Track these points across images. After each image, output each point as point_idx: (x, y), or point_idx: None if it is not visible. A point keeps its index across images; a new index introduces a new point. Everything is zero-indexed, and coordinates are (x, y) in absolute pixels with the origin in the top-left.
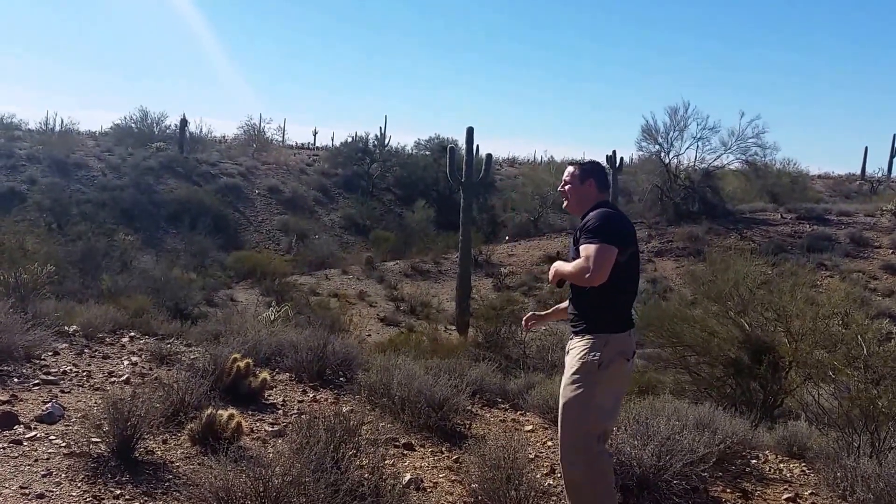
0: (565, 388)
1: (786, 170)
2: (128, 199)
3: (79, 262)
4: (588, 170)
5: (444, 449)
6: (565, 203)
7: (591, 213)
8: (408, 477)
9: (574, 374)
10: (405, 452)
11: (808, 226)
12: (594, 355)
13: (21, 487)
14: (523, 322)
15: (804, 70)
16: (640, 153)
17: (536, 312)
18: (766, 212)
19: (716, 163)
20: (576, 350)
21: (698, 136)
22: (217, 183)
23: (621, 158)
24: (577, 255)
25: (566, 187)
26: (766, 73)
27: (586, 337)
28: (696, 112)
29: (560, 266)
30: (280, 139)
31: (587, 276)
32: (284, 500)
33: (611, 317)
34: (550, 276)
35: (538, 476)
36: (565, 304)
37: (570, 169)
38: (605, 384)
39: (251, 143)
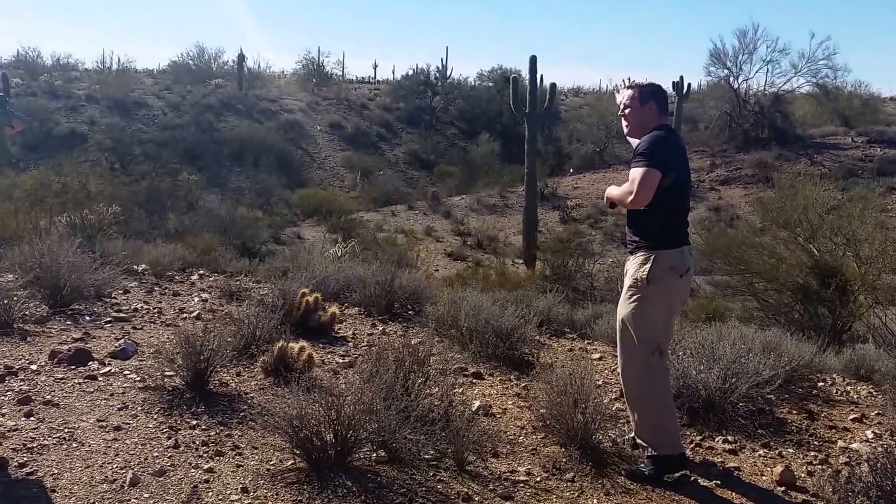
0: (620, 306)
1: (857, 92)
2: (189, 137)
3: (144, 203)
4: (648, 92)
5: (512, 377)
6: (626, 128)
7: (643, 138)
8: (477, 404)
9: (627, 290)
10: (474, 381)
11: (879, 149)
12: (643, 271)
13: (98, 420)
14: None
15: None
16: (709, 78)
17: None
18: (836, 136)
19: (786, 86)
20: (630, 268)
21: (768, 58)
22: (278, 120)
23: (688, 85)
24: None
25: (626, 111)
26: None
27: (638, 254)
28: (765, 34)
29: (610, 191)
30: (340, 73)
31: (630, 199)
32: (357, 427)
33: (662, 234)
34: (605, 199)
35: (605, 401)
36: None
37: (629, 92)
38: (656, 299)
39: (311, 78)
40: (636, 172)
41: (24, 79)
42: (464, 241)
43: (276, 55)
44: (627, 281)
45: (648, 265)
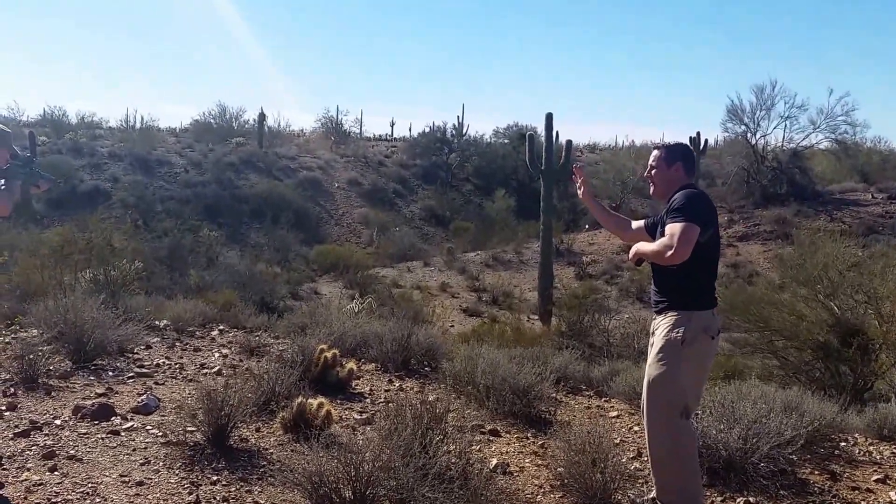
0: (650, 367)
1: (876, 148)
2: (210, 194)
3: (166, 259)
4: (676, 153)
5: (529, 435)
6: (652, 189)
7: (676, 194)
8: (494, 462)
9: (659, 351)
10: (491, 439)
11: None
12: (678, 332)
13: (121, 476)
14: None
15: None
16: (726, 134)
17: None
18: (856, 192)
19: (804, 142)
20: (660, 328)
21: (786, 114)
22: (297, 177)
23: (705, 141)
24: (663, 235)
25: (652, 172)
26: (853, 48)
27: (670, 314)
28: (783, 90)
29: (642, 246)
30: (358, 131)
31: (669, 253)
32: (375, 484)
33: (694, 294)
34: (630, 255)
35: (623, 460)
36: (605, 212)
37: (657, 153)
38: (689, 361)
39: (329, 136)
40: (675, 227)
41: (50, 136)
42: (479, 297)
43: (295, 114)
44: (658, 342)
45: (682, 326)
